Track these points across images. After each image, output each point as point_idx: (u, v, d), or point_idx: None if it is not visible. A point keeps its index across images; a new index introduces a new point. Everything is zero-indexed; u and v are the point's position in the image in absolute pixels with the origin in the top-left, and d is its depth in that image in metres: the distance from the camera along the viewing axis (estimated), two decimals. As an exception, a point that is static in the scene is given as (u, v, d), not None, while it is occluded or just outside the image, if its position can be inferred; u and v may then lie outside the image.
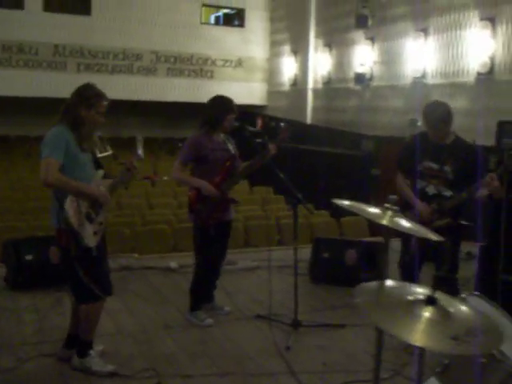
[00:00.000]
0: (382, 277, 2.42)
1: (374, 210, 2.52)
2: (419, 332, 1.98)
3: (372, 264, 6.20)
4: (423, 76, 11.12)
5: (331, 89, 13.65)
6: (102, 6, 14.24)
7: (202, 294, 5.25)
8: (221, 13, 16.68)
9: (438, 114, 4.73)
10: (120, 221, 9.31)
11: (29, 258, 5.97)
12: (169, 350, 4.65)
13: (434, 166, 4.71)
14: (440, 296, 2.13)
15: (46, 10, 13.93)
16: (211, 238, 5.02)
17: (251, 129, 5.14)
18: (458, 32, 10.50)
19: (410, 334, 1.97)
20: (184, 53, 15.12)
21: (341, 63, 13.26)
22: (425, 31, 11.02)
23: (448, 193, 4.69)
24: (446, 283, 4.80)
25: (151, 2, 14.48)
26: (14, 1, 13.96)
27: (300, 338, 4.93)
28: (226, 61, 15.61)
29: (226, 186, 5.09)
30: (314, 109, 14.20)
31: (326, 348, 4.76)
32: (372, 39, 12.24)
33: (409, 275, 4.98)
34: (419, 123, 10.50)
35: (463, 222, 4.88)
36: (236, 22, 16.31)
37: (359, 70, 12.31)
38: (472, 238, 6.97)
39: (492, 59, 9.77)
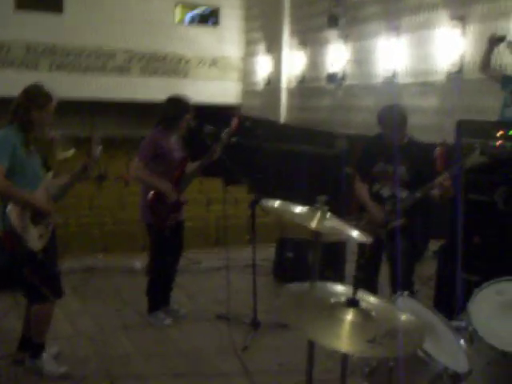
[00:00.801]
0: (312, 278, 2.41)
1: (302, 211, 2.47)
2: (338, 336, 1.95)
3: (335, 264, 6.21)
4: (394, 75, 11.13)
5: (305, 88, 13.64)
6: (75, 3, 14.10)
7: (158, 295, 5.21)
8: (195, 11, 16.60)
9: (396, 117, 4.76)
10: (91, 221, 9.26)
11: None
12: (125, 350, 4.62)
13: (388, 167, 4.72)
14: (364, 297, 2.12)
15: (18, 8, 13.77)
16: (166, 239, 5.00)
17: (209, 127, 5.11)
18: (429, 31, 10.52)
19: (328, 337, 1.94)
20: (158, 52, 15.04)
21: (315, 62, 13.26)
22: (396, 30, 11.03)
23: (404, 194, 4.69)
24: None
25: (124, 1, 14.38)
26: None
27: (258, 338, 4.91)
28: (201, 60, 15.55)
29: (181, 186, 5.08)
30: (289, 108, 14.19)
31: (283, 348, 4.74)
32: (345, 38, 12.24)
33: (365, 279, 5.00)
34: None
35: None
36: (210, 21, 16.25)
37: (331, 69, 12.30)
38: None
39: (462, 58, 9.81)
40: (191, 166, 5.28)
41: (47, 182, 4.18)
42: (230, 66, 15.86)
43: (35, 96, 4.05)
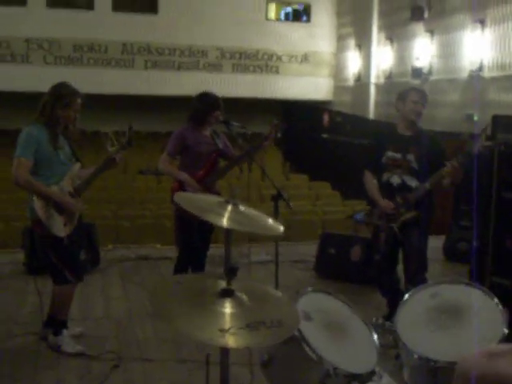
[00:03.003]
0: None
1: (213, 205, 2.46)
2: (201, 325, 1.99)
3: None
4: (480, 69, 10.71)
5: (392, 83, 13.39)
6: (169, 4, 14.63)
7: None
8: (287, 8, 16.72)
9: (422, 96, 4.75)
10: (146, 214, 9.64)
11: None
12: (144, 335, 4.83)
13: (397, 155, 4.67)
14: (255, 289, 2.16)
15: (114, 10, 14.50)
16: (192, 230, 5.13)
17: (235, 124, 5.21)
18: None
19: (192, 327, 2.00)
20: (249, 48, 15.27)
21: (401, 57, 12.99)
22: (482, 22, 10.61)
23: (413, 182, 4.64)
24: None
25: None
26: (84, 1, 14.66)
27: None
28: (292, 56, 15.63)
29: (210, 180, 5.21)
30: (377, 104, 13.99)
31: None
32: (431, 32, 11.91)
33: (384, 275, 4.94)
34: (476, 118, 10.19)
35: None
36: (302, 18, 16.30)
37: (416, 64, 12.02)
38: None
39: None
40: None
41: (73, 172, 4.46)
42: (321, 62, 15.83)
43: (61, 94, 4.35)
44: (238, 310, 2.10)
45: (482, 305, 2.67)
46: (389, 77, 13.53)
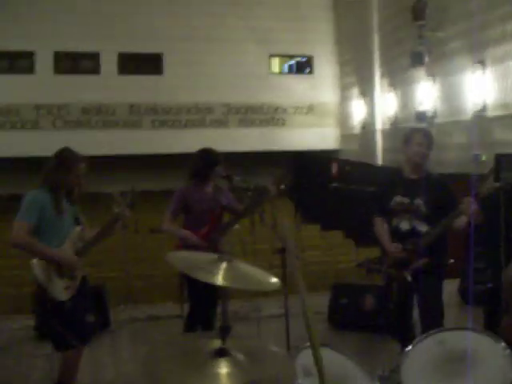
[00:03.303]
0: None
1: (205, 264, 2.41)
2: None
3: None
4: (483, 109, 10.74)
5: (397, 129, 13.44)
6: (173, 64, 14.90)
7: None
8: (290, 62, 16.98)
9: (426, 139, 4.72)
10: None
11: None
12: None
13: (405, 200, 4.60)
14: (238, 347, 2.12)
15: (120, 73, 14.79)
16: (197, 288, 5.09)
17: (237, 178, 5.22)
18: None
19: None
20: (254, 103, 15.45)
21: (405, 102, 13.09)
22: (482, 63, 10.69)
23: (423, 227, 4.54)
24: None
25: (219, 57, 14.97)
26: (91, 67, 14.98)
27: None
28: (297, 108, 15.78)
29: (214, 236, 5.18)
30: (384, 150, 14.02)
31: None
32: (432, 76, 12.01)
33: (398, 322, 4.84)
34: (484, 158, 10.17)
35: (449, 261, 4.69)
36: (305, 70, 16.52)
37: (420, 108, 12.09)
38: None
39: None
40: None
41: (74, 236, 4.46)
42: (326, 112, 15.96)
43: (63, 159, 4.39)
44: (233, 369, 2.05)
45: (488, 350, 2.59)
46: (394, 123, 13.60)
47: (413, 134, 4.78)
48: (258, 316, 6.98)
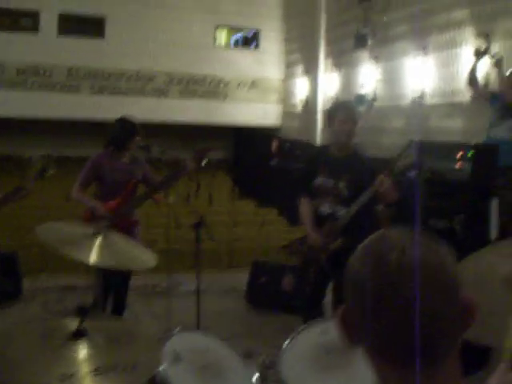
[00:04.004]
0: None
1: (79, 239, 2.27)
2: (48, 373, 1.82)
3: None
4: (422, 96, 10.77)
5: (339, 110, 13.42)
6: (116, 28, 14.45)
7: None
8: (237, 35, 16.74)
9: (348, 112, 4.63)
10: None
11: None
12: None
13: (329, 181, 4.50)
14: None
15: (60, 34, 14.27)
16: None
17: (156, 149, 5.06)
18: (455, 50, 10.15)
19: (38, 376, 1.82)
20: (197, 74, 15.16)
21: (347, 84, 13.06)
22: (424, 49, 10.69)
23: (343, 212, 4.46)
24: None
25: (164, 24, 14.58)
26: (29, 25, 14.41)
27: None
28: (240, 82, 15.57)
29: (125, 208, 5.03)
30: (324, 130, 13.99)
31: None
32: (375, 59, 11.98)
33: (309, 308, 4.78)
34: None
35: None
36: (251, 44, 16.30)
37: (361, 90, 12.07)
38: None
39: (487, 77, 9.37)
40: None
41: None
42: (269, 88, 15.79)
43: None
44: (89, 352, 1.92)
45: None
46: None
47: (335, 111, 4.65)
48: (177, 292, 6.88)
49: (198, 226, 5.00)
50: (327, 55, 13.93)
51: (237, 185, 16.39)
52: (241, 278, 7.30)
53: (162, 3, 14.51)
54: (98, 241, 2.26)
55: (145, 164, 5.24)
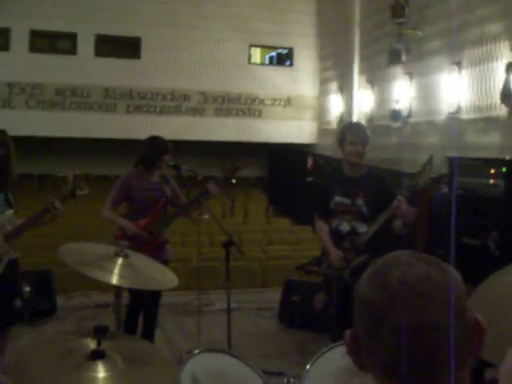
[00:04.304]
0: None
1: (101, 260, 2.27)
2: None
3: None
4: (457, 111, 10.65)
5: (373, 126, 13.35)
6: (151, 49, 14.67)
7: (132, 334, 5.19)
8: (271, 53, 16.81)
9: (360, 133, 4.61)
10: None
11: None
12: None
13: (346, 200, 4.49)
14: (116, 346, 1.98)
15: (97, 55, 14.55)
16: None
17: (185, 168, 5.09)
18: (491, 64, 10.02)
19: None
20: (232, 92, 15.26)
21: (381, 100, 13.00)
22: (459, 64, 10.59)
23: (363, 228, 4.43)
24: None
25: (198, 44, 14.76)
26: (67, 47, 14.72)
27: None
28: (275, 99, 15.61)
29: (156, 227, 5.05)
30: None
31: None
32: (409, 74, 11.90)
33: (336, 326, 4.72)
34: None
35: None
36: (285, 62, 16.36)
37: (395, 106, 11.99)
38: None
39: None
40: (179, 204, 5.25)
41: (4, 219, 4.32)
42: (304, 106, 15.79)
43: None
44: (106, 374, 1.92)
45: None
46: (370, 119, 13.49)
47: (345, 132, 4.66)
48: (209, 310, 6.87)
49: (227, 244, 5.00)
50: (361, 71, 13.91)
51: (272, 202, 16.38)
52: (274, 297, 7.26)
53: (196, 24, 14.69)
54: (119, 261, 2.26)
55: (174, 183, 5.27)
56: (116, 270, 2.21)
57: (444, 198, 4.67)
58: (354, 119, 14.08)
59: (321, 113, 15.88)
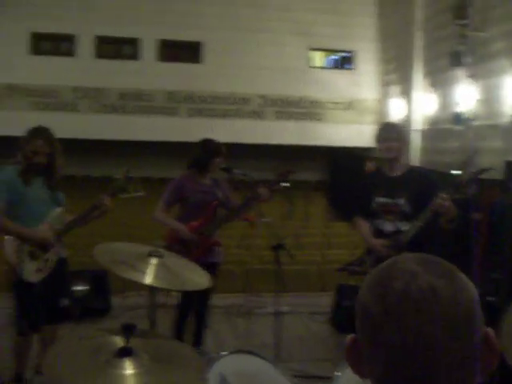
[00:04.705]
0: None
1: (135, 260, 2.30)
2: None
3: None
4: (521, 114, 10.35)
5: (436, 130, 13.12)
6: (212, 53, 14.86)
7: (181, 334, 5.24)
8: (333, 56, 16.72)
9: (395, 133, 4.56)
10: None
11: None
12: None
13: (387, 200, 4.42)
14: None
15: (159, 60, 14.83)
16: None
17: (237, 171, 5.12)
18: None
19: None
20: (292, 96, 15.27)
21: (444, 103, 12.74)
22: (524, 67, 10.30)
23: (407, 227, 4.36)
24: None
25: (258, 47, 14.85)
26: (130, 52, 15.06)
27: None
28: (336, 103, 15.52)
29: (207, 229, 5.08)
30: (422, 150, 13.70)
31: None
32: (473, 77, 11.63)
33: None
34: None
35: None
36: (347, 65, 16.25)
37: (458, 109, 11.73)
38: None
39: None
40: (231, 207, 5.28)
41: (54, 217, 4.42)
42: (366, 109, 15.65)
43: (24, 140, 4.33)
44: (135, 371, 1.95)
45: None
46: (432, 123, 13.26)
47: (378, 131, 4.63)
48: (261, 313, 6.89)
49: (277, 248, 5.00)
50: (424, 74, 13.68)
51: (331, 206, 16.27)
52: (329, 301, 7.21)
53: (256, 27, 14.79)
54: (153, 261, 2.30)
55: (225, 186, 5.30)
56: (149, 270, 2.24)
57: (505, 203, 4.53)
58: (416, 122, 13.86)
59: (382, 116, 15.69)
